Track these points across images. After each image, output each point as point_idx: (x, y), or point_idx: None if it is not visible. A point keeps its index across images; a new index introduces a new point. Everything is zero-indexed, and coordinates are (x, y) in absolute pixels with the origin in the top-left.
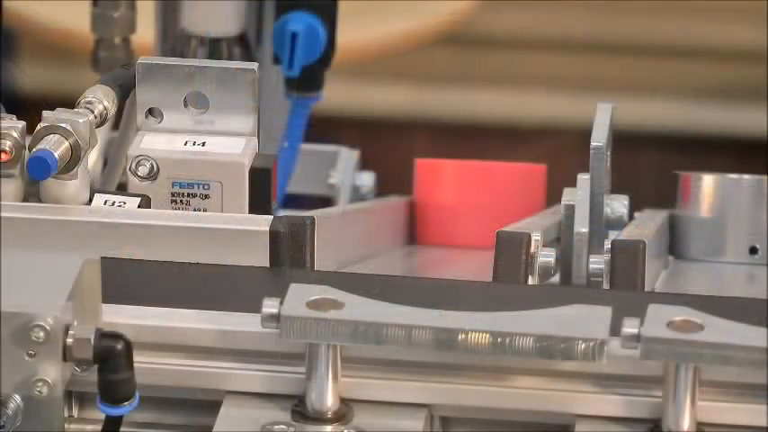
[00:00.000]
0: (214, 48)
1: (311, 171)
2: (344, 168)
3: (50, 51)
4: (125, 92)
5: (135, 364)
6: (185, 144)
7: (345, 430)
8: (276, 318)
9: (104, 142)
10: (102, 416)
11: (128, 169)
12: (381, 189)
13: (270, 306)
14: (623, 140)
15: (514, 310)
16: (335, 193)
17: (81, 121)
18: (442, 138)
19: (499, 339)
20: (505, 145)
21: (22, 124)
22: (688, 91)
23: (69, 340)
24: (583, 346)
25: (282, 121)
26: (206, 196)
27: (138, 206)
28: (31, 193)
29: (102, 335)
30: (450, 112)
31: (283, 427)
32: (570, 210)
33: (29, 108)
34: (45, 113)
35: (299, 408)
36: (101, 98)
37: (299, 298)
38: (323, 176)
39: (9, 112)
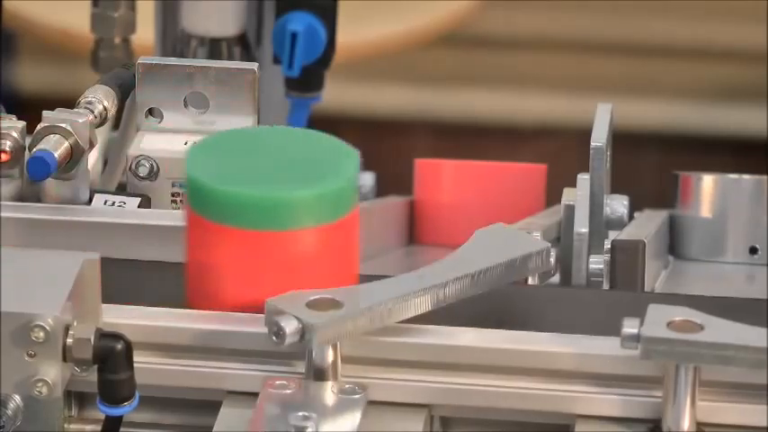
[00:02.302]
0: (214, 48)
1: None
2: None
3: (50, 51)
4: (125, 92)
5: (135, 364)
6: (185, 144)
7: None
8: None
9: (104, 142)
10: (102, 416)
11: (128, 169)
12: (381, 189)
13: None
14: (623, 140)
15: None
16: None
17: (81, 121)
18: (442, 138)
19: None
20: (505, 145)
21: (22, 124)
22: (688, 91)
23: (69, 340)
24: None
25: (282, 121)
26: None
27: (138, 206)
28: (31, 193)
29: (102, 335)
30: (450, 112)
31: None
32: (570, 210)
33: (29, 108)
34: (45, 113)
35: None
36: (101, 98)
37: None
38: None
39: (9, 112)
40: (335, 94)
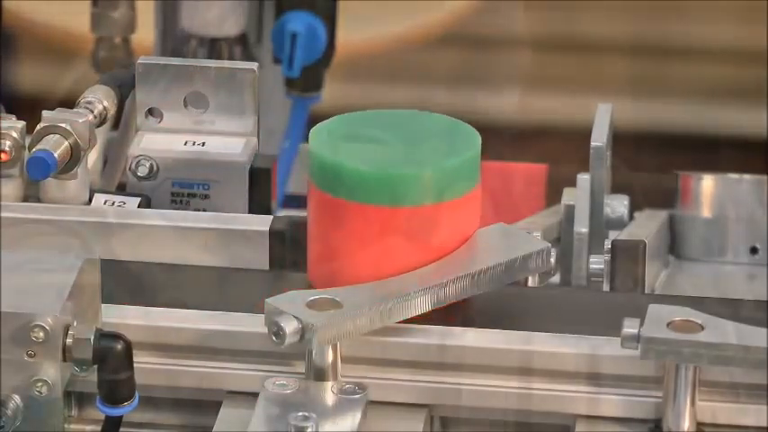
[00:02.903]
0: (214, 48)
1: None
2: None
3: (50, 51)
4: (125, 92)
5: (135, 364)
6: (185, 144)
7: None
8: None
9: (104, 142)
10: (102, 416)
11: (128, 169)
12: None
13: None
14: (623, 140)
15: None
16: None
17: (81, 120)
18: None
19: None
20: (505, 145)
21: (21, 124)
22: (688, 91)
23: (69, 340)
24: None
25: (282, 121)
26: (206, 196)
27: (138, 206)
28: (31, 193)
29: (102, 335)
30: (450, 112)
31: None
32: (570, 210)
33: (29, 108)
34: (45, 113)
35: None
36: (101, 98)
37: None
38: None
39: (9, 111)
40: (335, 94)
